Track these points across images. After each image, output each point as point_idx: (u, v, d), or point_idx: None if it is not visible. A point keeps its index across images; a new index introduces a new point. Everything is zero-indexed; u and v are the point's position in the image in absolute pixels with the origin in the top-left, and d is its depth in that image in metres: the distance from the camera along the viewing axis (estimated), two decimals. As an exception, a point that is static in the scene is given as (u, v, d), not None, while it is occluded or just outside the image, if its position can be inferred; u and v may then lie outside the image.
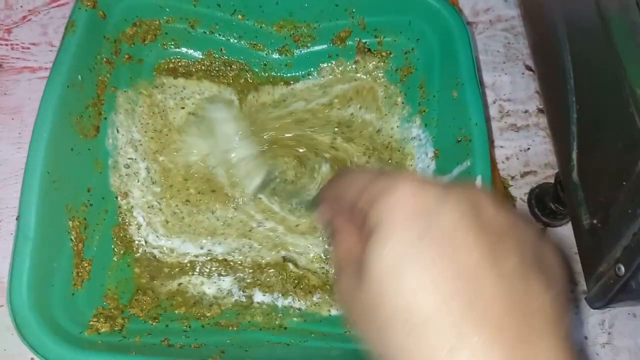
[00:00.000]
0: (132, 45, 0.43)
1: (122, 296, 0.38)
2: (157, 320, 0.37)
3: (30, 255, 0.32)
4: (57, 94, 0.35)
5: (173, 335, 0.35)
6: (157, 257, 0.41)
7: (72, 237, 0.36)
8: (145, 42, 0.43)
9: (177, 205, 0.42)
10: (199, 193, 0.42)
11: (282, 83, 0.47)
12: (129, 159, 0.42)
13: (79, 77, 0.37)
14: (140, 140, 0.43)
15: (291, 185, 0.44)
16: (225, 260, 0.41)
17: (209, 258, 0.41)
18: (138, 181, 0.42)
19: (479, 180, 0.37)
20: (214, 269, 0.41)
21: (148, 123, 0.43)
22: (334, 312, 0.40)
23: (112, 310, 0.37)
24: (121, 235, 0.40)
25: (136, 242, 0.40)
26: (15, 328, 0.31)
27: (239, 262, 0.41)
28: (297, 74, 0.47)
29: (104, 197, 0.40)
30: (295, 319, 0.39)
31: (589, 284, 0.40)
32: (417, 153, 0.44)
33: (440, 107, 0.43)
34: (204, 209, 0.42)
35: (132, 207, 0.41)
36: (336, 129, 0.46)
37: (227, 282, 0.40)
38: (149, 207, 0.41)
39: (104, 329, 0.35)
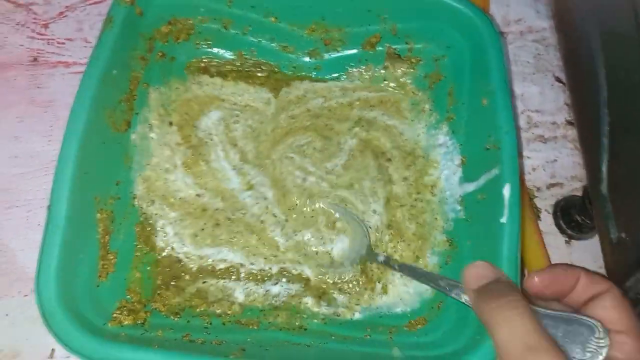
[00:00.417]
0: (166, 43, 0.43)
1: (145, 290, 0.38)
2: (178, 316, 0.37)
3: (59, 244, 0.32)
4: (93, 88, 0.36)
5: (194, 331, 0.36)
6: (182, 261, 0.41)
7: (100, 229, 0.37)
8: (179, 40, 0.44)
9: (205, 223, 0.42)
10: (228, 219, 0.42)
11: (308, 80, 0.47)
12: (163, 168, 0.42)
13: (114, 71, 0.38)
14: (172, 147, 0.43)
15: (319, 154, 0.43)
16: (252, 272, 0.41)
17: (236, 268, 0.41)
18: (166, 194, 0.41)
19: (507, 189, 0.36)
20: (241, 276, 0.40)
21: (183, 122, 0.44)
22: (356, 316, 0.40)
23: (135, 304, 0.37)
24: (145, 234, 0.40)
25: (159, 245, 0.40)
26: (41, 316, 0.31)
27: (267, 271, 0.41)
28: (326, 77, 0.47)
29: (131, 192, 0.40)
30: (316, 320, 0.39)
31: (617, 300, 0.40)
32: (442, 160, 0.44)
33: (469, 115, 0.42)
34: (237, 230, 0.41)
35: (156, 214, 0.41)
36: (356, 125, 0.46)
37: (251, 286, 0.40)
38: (175, 221, 0.41)
39: (126, 322, 0.35)
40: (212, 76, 0.46)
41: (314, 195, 0.43)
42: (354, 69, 0.47)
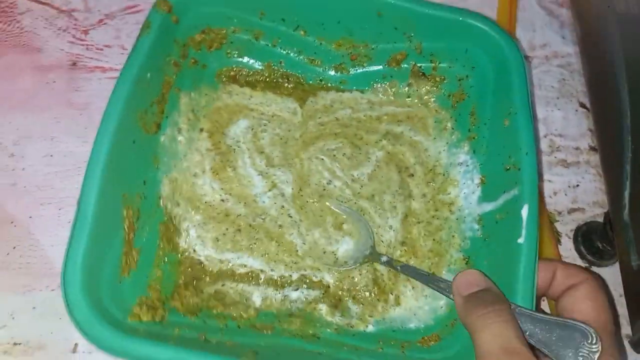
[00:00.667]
0: (199, 51, 0.45)
1: (165, 289, 0.39)
2: (195, 316, 0.38)
3: (86, 238, 0.34)
4: (127, 89, 0.37)
5: (210, 332, 0.36)
6: (202, 263, 0.42)
7: (125, 226, 0.38)
8: (211, 49, 0.46)
9: (227, 228, 0.42)
10: (249, 226, 0.43)
11: (334, 91, 0.48)
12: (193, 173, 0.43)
13: (148, 75, 0.40)
14: (202, 152, 0.44)
15: (348, 161, 0.45)
16: (272, 278, 0.41)
17: (256, 273, 0.41)
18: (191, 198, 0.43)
19: (525, 210, 0.36)
20: (261, 281, 0.41)
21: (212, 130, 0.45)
22: (369, 328, 0.40)
23: (155, 301, 0.38)
24: (168, 234, 0.41)
25: (182, 246, 0.42)
26: (66, 307, 0.32)
27: (287, 277, 0.41)
28: (352, 91, 0.48)
29: (157, 192, 0.42)
30: (329, 330, 0.39)
31: (634, 328, 0.39)
32: (462, 179, 0.44)
33: (491, 135, 0.43)
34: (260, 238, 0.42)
35: (181, 216, 0.42)
36: (383, 137, 0.47)
37: (270, 291, 0.41)
38: (199, 224, 0.42)
39: (145, 318, 0.36)
40: (241, 86, 0.48)
41: (332, 197, 0.44)
42: (379, 85, 0.48)
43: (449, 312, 0.40)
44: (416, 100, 0.48)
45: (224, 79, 0.48)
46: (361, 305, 0.41)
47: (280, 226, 0.43)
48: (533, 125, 0.39)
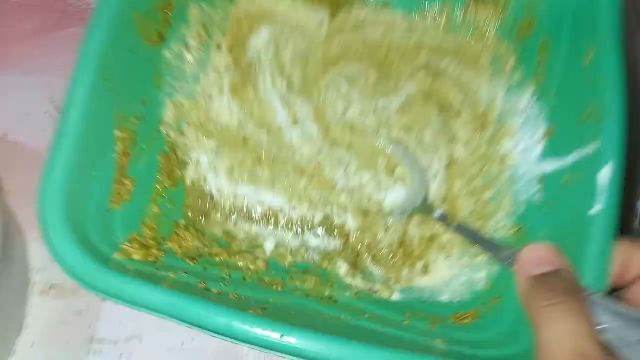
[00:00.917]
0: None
1: (162, 228, 0.34)
2: (194, 261, 0.33)
3: (69, 153, 0.28)
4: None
5: (211, 280, 0.31)
6: (213, 196, 0.36)
7: (118, 149, 0.32)
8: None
9: (244, 157, 0.37)
10: (272, 157, 0.37)
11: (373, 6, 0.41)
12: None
13: None
14: (220, 71, 0.38)
15: (372, 89, 0.38)
16: (292, 219, 0.36)
17: (274, 213, 0.36)
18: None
19: (605, 173, 0.29)
20: (280, 223, 0.36)
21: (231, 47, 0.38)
22: (395, 296, 0.34)
23: (148, 240, 0.32)
24: (169, 167, 0.36)
25: (190, 175, 0.36)
26: (41, 229, 0.27)
27: (308, 219, 0.36)
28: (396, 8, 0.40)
29: (159, 115, 0.35)
30: (348, 294, 0.34)
31: None
32: (521, 130, 0.37)
33: (564, 75, 0.35)
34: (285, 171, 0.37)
35: (188, 145, 0.36)
36: (421, 70, 0.40)
37: (286, 236, 0.35)
38: (211, 151, 0.37)
39: (137, 257, 0.31)
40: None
41: (359, 130, 0.38)
42: (428, 7, 0.40)
43: (491, 287, 0.34)
44: (471, 31, 0.40)
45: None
46: (381, 267, 0.35)
47: (319, 163, 0.37)
48: (623, 65, 0.31)
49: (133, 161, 0.33)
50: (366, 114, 0.38)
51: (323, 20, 0.40)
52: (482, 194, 0.37)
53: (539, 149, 0.36)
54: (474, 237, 0.33)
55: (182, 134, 0.36)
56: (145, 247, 0.31)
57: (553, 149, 0.34)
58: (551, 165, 0.34)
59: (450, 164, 0.37)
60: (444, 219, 0.34)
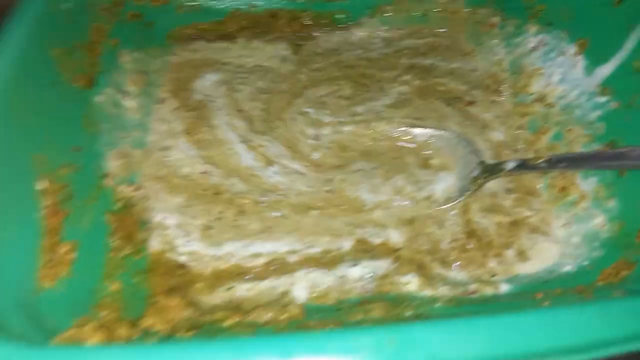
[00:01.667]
0: (140, 3, 0.33)
1: (130, 306, 0.22)
2: (192, 332, 0.20)
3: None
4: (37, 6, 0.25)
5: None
6: (184, 266, 0.25)
7: (43, 204, 0.22)
8: (157, 3, 0.34)
9: (221, 212, 0.28)
10: (257, 204, 0.28)
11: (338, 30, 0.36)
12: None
13: (65, 5, 0.27)
14: (167, 118, 0.31)
15: (345, 101, 0.32)
16: (313, 257, 0.26)
17: (281, 258, 0.26)
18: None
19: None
20: (296, 266, 0.26)
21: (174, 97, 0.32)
22: (503, 288, 0.23)
23: (111, 322, 0.20)
24: (126, 229, 0.25)
25: (153, 246, 0.25)
26: None
27: (335, 250, 0.26)
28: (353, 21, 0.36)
29: (100, 168, 0.26)
30: (438, 304, 0.23)
31: None
32: (545, 63, 0.31)
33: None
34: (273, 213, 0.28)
35: (144, 199, 0.27)
36: (405, 72, 0.34)
37: (315, 276, 0.25)
38: (178, 209, 0.27)
39: (94, 339, 0.18)
40: (209, 41, 0.35)
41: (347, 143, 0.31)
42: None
43: (624, 225, 0.23)
44: (439, 14, 0.36)
45: (181, 38, 0.35)
46: (457, 266, 0.25)
47: (328, 191, 0.28)
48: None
49: (71, 221, 0.22)
50: (343, 125, 0.31)
51: (286, 56, 0.35)
52: (542, 137, 0.29)
53: (580, 65, 0.29)
54: (574, 160, 0.23)
55: (137, 188, 0.27)
56: (105, 328, 0.19)
57: (597, 54, 0.28)
58: (606, 69, 0.27)
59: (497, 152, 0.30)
60: (524, 165, 0.25)
